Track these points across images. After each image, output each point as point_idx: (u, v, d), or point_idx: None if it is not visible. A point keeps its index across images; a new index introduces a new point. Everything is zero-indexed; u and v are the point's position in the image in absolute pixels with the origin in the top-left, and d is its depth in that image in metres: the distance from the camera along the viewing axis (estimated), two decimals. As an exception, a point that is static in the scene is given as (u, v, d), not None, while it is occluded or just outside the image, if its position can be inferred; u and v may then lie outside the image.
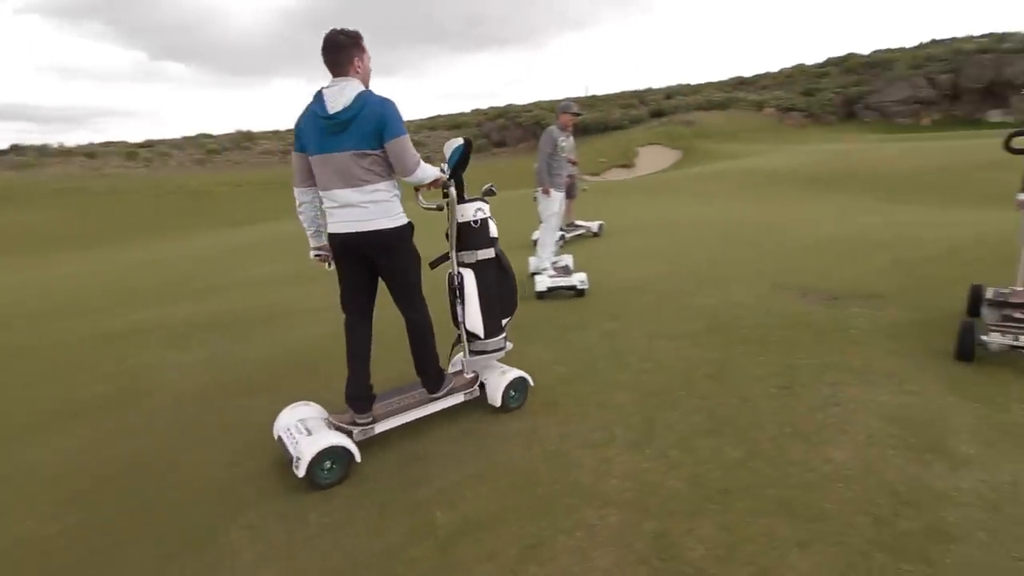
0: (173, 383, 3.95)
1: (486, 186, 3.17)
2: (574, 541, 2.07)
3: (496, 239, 3.04)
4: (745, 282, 5.29)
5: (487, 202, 3.01)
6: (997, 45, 30.09)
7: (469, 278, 2.96)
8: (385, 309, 2.91)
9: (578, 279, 5.24)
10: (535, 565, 1.98)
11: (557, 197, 5.82)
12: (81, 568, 2.16)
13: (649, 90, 41.99)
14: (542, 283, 5.27)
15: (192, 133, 37.77)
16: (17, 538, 2.36)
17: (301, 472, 2.43)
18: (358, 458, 2.56)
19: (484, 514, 2.26)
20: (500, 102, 54.73)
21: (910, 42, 37.46)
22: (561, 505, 2.28)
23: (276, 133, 40.57)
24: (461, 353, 3.15)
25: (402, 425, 2.86)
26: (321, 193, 2.58)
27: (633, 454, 2.60)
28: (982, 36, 33.25)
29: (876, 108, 30.55)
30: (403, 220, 2.60)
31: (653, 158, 25.19)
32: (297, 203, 2.69)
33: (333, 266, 2.77)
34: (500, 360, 3.22)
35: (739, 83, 39.29)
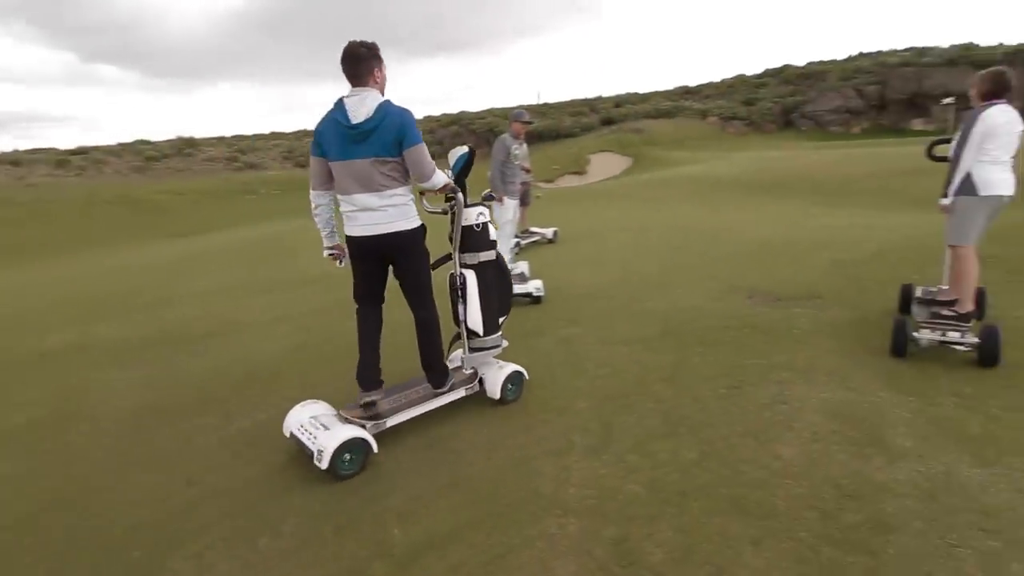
0: (115, 404, 3.75)
1: (486, 192, 3.30)
2: (535, 552, 2.08)
3: (495, 242, 3.18)
4: (694, 286, 5.45)
5: (488, 207, 3.18)
6: (918, 59, 32.25)
7: (471, 279, 3.09)
8: (392, 311, 3.05)
9: (534, 286, 5.27)
10: (497, 578, 1.97)
11: (511, 205, 5.85)
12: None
13: (599, 98, 42.82)
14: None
15: (129, 139, 35.95)
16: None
17: (324, 464, 2.52)
18: (375, 449, 2.67)
19: (444, 528, 2.24)
20: (453, 108, 54.73)
21: (840, 55, 39.63)
22: (522, 515, 2.28)
23: (222, 139, 39.18)
24: (459, 350, 3.28)
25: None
26: (340, 197, 2.73)
27: (592, 460, 2.63)
28: (905, 50, 35.56)
29: (811, 117, 32.15)
30: (418, 222, 2.77)
31: (605, 165, 25.68)
32: (313, 205, 2.83)
33: (344, 263, 2.95)
34: (496, 356, 3.34)
35: (684, 92, 40.57)
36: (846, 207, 10.22)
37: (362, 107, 2.54)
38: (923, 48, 34.45)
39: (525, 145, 6.19)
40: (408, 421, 2.96)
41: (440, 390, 3.05)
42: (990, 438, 2.61)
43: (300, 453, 2.83)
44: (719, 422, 2.88)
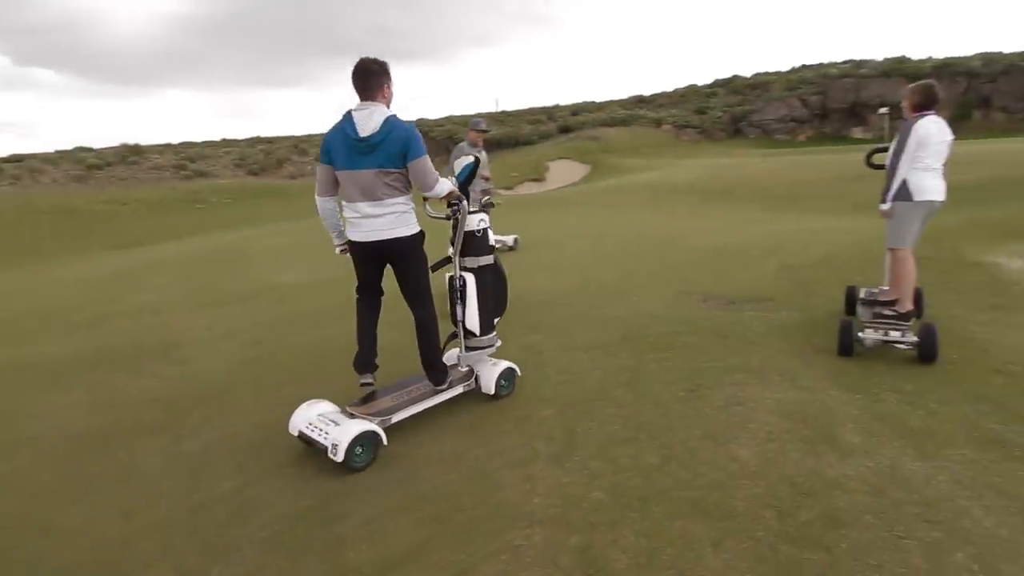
0: (51, 430, 3.52)
1: (486, 199, 3.45)
2: (500, 565, 2.05)
3: (494, 247, 3.34)
4: (651, 292, 5.55)
5: (488, 213, 3.33)
6: (856, 71, 34.01)
7: (471, 282, 3.23)
8: (396, 312, 3.14)
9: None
10: (462, 594, 1.93)
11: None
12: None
13: (557, 106, 43.35)
14: None
15: (69, 147, 34.18)
16: None
17: (340, 457, 2.63)
18: (385, 441, 2.78)
19: (406, 546, 2.19)
20: (410, 116, 54.32)
21: (784, 66, 41.38)
22: (486, 529, 2.25)
23: (169, 146, 37.72)
24: (455, 349, 3.43)
25: (325, 457, 2.73)
26: (345, 204, 2.89)
27: (555, 469, 2.63)
28: (844, 63, 37.42)
29: (759, 125, 33.46)
30: (417, 228, 2.93)
31: (563, 172, 25.95)
32: (320, 210, 3.00)
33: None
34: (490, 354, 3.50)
35: (639, 101, 41.52)
36: (793, 212, 10.64)
37: (370, 121, 2.69)
38: (860, 60, 36.38)
39: (484, 153, 6.19)
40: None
41: (441, 387, 3.17)
42: (930, 432, 2.74)
43: (252, 475, 2.73)
44: (678, 425, 2.93)
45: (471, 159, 3.27)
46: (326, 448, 2.69)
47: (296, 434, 2.90)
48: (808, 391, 3.23)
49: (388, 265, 3.03)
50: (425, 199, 3.09)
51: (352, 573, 2.08)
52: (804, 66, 39.69)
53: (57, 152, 33.23)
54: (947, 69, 30.76)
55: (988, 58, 31.23)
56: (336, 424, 2.79)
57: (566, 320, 4.85)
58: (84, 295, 8.54)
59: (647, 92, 42.98)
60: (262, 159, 34.16)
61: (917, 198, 3.65)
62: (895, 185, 3.68)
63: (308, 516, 2.43)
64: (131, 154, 32.73)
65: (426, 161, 2.75)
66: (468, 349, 3.38)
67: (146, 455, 3.08)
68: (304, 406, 2.99)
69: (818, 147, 27.63)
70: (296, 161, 35.47)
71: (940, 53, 34.07)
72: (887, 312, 3.79)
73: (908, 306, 3.77)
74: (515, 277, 6.53)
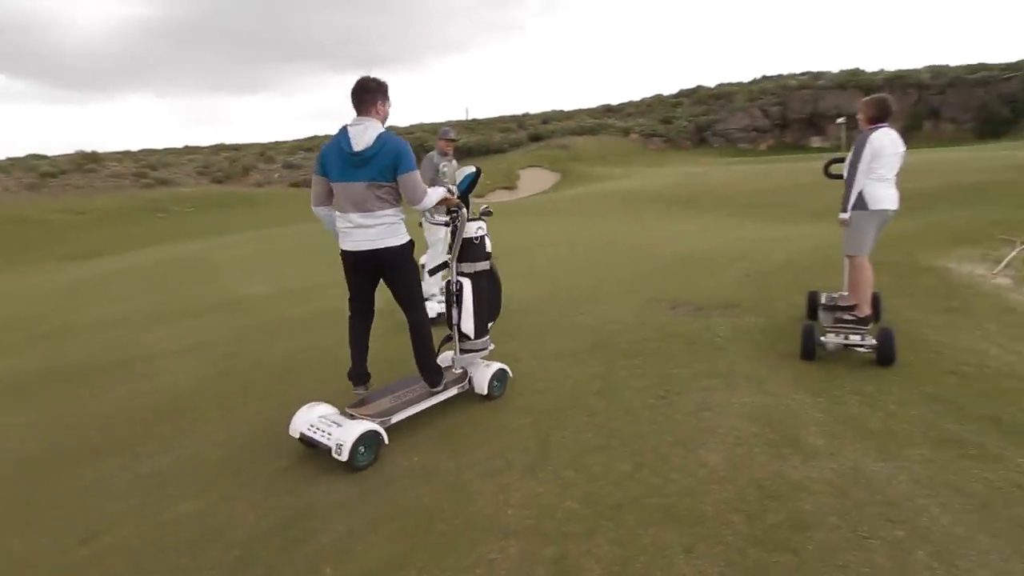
0: (6, 450, 3.36)
1: (484, 207, 3.58)
2: (475, 578, 2.04)
3: (491, 253, 3.44)
4: (621, 299, 5.62)
5: (485, 221, 3.45)
6: (814, 82, 35.23)
7: (467, 286, 3.34)
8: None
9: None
10: (437, 609, 1.91)
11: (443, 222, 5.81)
12: None
13: (527, 115, 43.64)
14: (432, 309, 5.20)
15: (20, 154, 32.78)
16: None
17: (344, 456, 2.70)
18: (386, 441, 2.87)
19: (379, 563, 2.16)
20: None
21: (746, 77, 42.63)
22: (461, 542, 2.24)
23: (128, 153, 36.56)
24: (449, 352, 3.52)
25: (296, 474, 2.70)
26: (337, 214, 3.00)
27: (529, 479, 2.63)
28: (803, 74, 38.72)
29: (722, 135, 34.32)
30: (406, 238, 3.04)
31: (534, 180, 26.12)
32: (318, 217, 3.16)
33: None
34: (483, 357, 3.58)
35: (607, 110, 42.12)
36: (757, 220, 10.92)
37: (364, 136, 2.82)
38: (818, 72, 37.69)
39: (455, 162, 6.18)
40: (328, 461, 2.85)
41: (436, 389, 3.26)
42: (889, 433, 2.84)
43: (220, 494, 2.66)
44: (649, 432, 2.97)
45: (472, 169, 3.41)
46: (329, 449, 2.75)
47: (297, 436, 2.95)
48: (773, 395, 3.31)
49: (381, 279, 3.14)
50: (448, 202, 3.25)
51: (324, 592, 2.04)
52: (765, 77, 40.95)
53: (8, 159, 31.85)
54: (899, 81, 32.14)
55: (936, 71, 32.76)
56: (338, 425, 2.87)
57: (538, 328, 4.87)
58: (39, 308, 8.19)
59: (615, 101, 43.69)
60: (227, 166, 33.41)
61: (872, 207, 3.79)
62: (853, 195, 3.82)
63: (279, 534, 2.37)
64: (88, 161, 31.61)
65: (415, 175, 2.89)
66: (462, 352, 3.47)
67: (107, 476, 2.97)
68: (304, 409, 3.04)
69: (779, 156, 28.48)
70: (263, 169, 34.81)
71: (891, 66, 35.58)
72: (847, 317, 3.93)
73: (866, 311, 3.91)
74: (487, 286, 6.56)
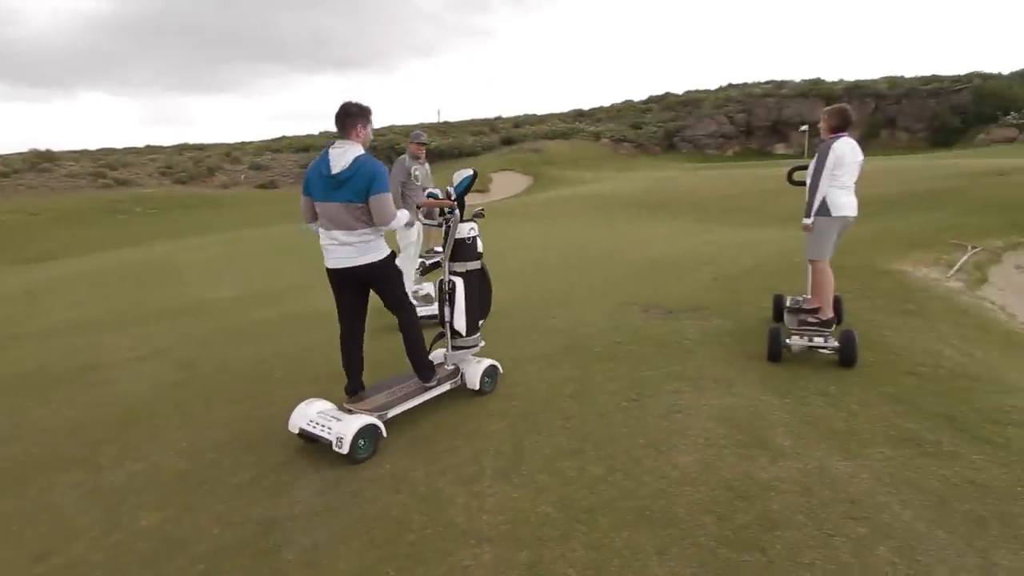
0: (-57, 467, 3.18)
1: (477, 209, 3.65)
2: (449, 586, 2.02)
3: (481, 253, 3.56)
4: (593, 303, 5.66)
5: (478, 223, 3.58)
6: (777, 91, 36.31)
7: (460, 285, 3.46)
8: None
9: (440, 307, 5.21)
10: (410, 619, 1.89)
11: (414, 226, 5.77)
12: None
13: (499, 118, 43.75)
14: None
15: (-32, 153, 31.31)
16: None
17: (345, 449, 2.79)
18: (384, 434, 2.97)
19: (351, 574, 2.12)
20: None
21: (713, 85, 43.62)
22: (434, 550, 2.21)
23: (85, 152, 35.25)
24: (441, 349, 3.63)
25: (265, 484, 2.61)
26: (320, 232, 3.11)
27: (503, 484, 2.62)
28: (767, 83, 39.88)
29: (690, 140, 35.05)
30: (386, 252, 3.15)
31: (507, 184, 26.17)
32: (314, 232, 3.26)
33: None
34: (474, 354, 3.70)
35: (578, 115, 42.56)
36: (724, 224, 11.15)
37: (342, 159, 2.95)
38: (781, 81, 38.86)
39: (427, 165, 6.15)
40: (297, 470, 2.86)
41: (429, 384, 3.36)
42: (852, 432, 2.93)
43: (180, 507, 2.57)
44: (622, 435, 2.99)
45: (470, 172, 3.53)
46: (330, 442, 2.83)
47: (296, 431, 3.03)
48: (741, 397, 3.38)
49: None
50: (419, 207, 3.39)
51: (293, 605, 1.99)
52: (731, 85, 42.03)
53: (-46, 158, 30.35)
54: (857, 91, 33.36)
55: (892, 82, 34.12)
56: (338, 420, 2.95)
57: (511, 332, 4.86)
58: (-14, 315, 7.80)
59: (586, 106, 44.20)
60: (191, 167, 32.51)
61: (834, 213, 3.91)
62: (816, 201, 3.93)
63: (245, 548, 2.31)
64: (42, 160, 30.37)
65: (385, 198, 2.98)
66: (455, 348, 3.59)
67: (60, 490, 2.84)
68: (303, 405, 3.12)
69: (745, 162, 29.19)
70: (228, 170, 34.00)
71: (850, 76, 36.85)
72: (811, 319, 4.04)
73: (829, 313, 4.02)
74: (459, 290, 6.52)
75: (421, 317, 5.08)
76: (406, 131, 34.48)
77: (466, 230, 3.49)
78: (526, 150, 31.87)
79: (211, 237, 15.26)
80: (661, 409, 3.26)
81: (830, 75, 50.48)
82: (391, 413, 3.13)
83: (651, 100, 42.35)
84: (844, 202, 3.91)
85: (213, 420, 3.52)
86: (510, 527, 2.32)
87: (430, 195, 3.67)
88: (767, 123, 34.54)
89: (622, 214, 13.58)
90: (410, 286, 5.65)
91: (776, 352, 3.83)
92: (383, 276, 3.18)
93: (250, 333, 5.50)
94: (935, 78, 33.42)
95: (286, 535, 2.37)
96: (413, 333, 3.31)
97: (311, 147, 38.87)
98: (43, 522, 2.58)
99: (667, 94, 42.19)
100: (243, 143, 38.62)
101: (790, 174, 4.73)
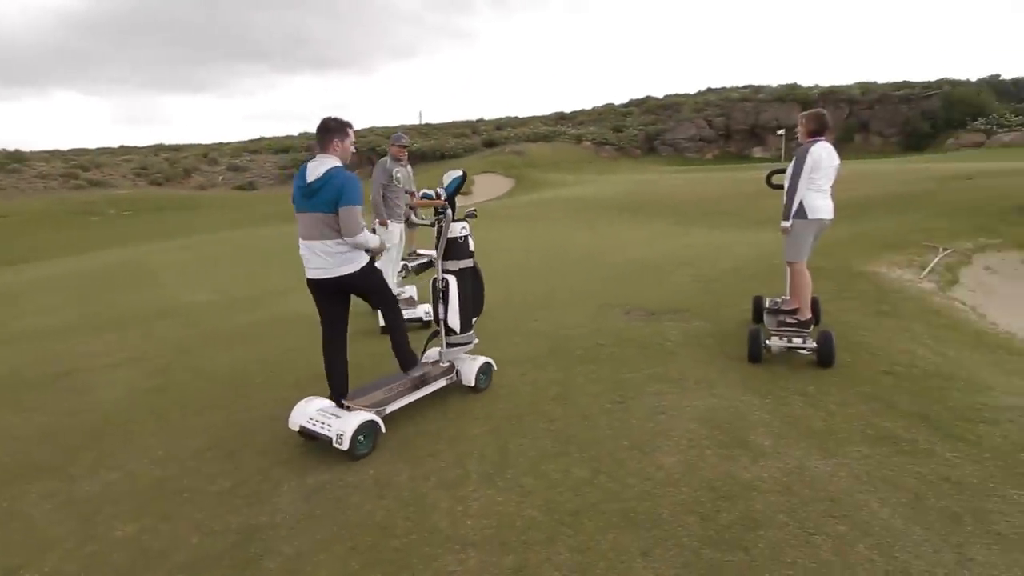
0: (-95, 478, 3.07)
1: (469, 209, 3.73)
2: (434, 592, 2.00)
3: (473, 252, 3.63)
4: (576, 304, 5.68)
5: (469, 222, 3.64)
6: (755, 95, 36.87)
7: (452, 283, 3.53)
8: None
9: (423, 310, 5.19)
10: (395, 626, 1.87)
11: (396, 228, 5.73)
12: None
13: (481, 120, 43.75)
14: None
15: (-69, 152, 30.33)
16: None
17: (345, 445, 2.83)
18: (383, 430, 3.03)
19: (335, 581, 2.09)
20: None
21: (692, 89, 44.20)
22: (419, 556, 2.19)
23: (56, 153, 34.42)
24: (436, 347, 3.70)
25: (245, 492, 2.58)
26: (300, 242, 3.12)
27: (488, 488, 2.61)
28: (744, 87, 40.48)
29: (671, 144, 35.42)
30: (363, 262, 3.15)
31: (489, 186, 26.13)
32: None
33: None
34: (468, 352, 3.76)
35: (560, 118, 42.74)
36: (703, 227, 11.28)
37: (317, 170, 3.00)
38: (758, 86, 39.49)
39: (409, 167, 6.12)
40: (278, 477, 2.82)
41: (412, 372, 3.44)
42: (831, 432, 2.98)
43: (157, 516, 2.51)
44: (606, 437, 3.01)
45: (459, 173, 3.61)
46: (330, 439, 2.86)
47: (296, 429, 3.07)
48: (722, 397, 3.42)
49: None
50: (411, 207, 3.43)
51: (275, 615, 1.96)
52: (709, 89, 42.56)
53: (-83, 157, 29.38)
54: (832, 96, 34.02)
55: (866, 87, 34.89)
56: (337, 417, 2.99)
57: (494, 334, 4.85)
58: (-48, 320, 7.55)
59: (568, 109, 44.39)
60: (166, 168, 31.92)
61: (812, 216, 3.98)
62: (794, 205, 3.99)
63: (225, 557, 2.26)
64: (11, 161, 29.54)
65: (353, 211, 2.98)
66: (449, 346, 3.65)
67: (32, 500, 2.76)
68: (302, 403, 3.15)
69: (723, 165, 29.61)
70: (205, 171, 33.46)
71: (825, 81, 37.66)
72: (789, 320, 4.10)
73: (807, 314, 4.09)
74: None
75: (404, 320, 5.11)
76: (387, 133, 34.30)
77: (458, 229, 3.56)
78: (508, 152, 31.90)
79: (188, 239, 14.98)
80: (644, 411, 3.28)
81: (806, 80, 51.57)
82: (389, 409, 3.18)
83: (632, 103, 42.72)
84: (821, 205, 3.99)
85: (191, 427, 3.45)
86: (495, 531, 2.31)
87: (424, 196, 3.66)
88: (745, 127, 35.08)
89: (603, 217, 13.66)
90: (392, 289, 5.62)
91: (756, 353, 3.88)
92: (363, 283, 3.21)
93: (228, 337, 5.41)
94: (907, 84, 34.26)
95: (267, 543, 2.33)
96: (396, 323, 3.39)
97: (290, 148, 38.45)
98: (15, 532, 2.51)
99: (647, 98, 42.60)
100: (220, 144, 38.09)
101: (768, 177, 4.80)
